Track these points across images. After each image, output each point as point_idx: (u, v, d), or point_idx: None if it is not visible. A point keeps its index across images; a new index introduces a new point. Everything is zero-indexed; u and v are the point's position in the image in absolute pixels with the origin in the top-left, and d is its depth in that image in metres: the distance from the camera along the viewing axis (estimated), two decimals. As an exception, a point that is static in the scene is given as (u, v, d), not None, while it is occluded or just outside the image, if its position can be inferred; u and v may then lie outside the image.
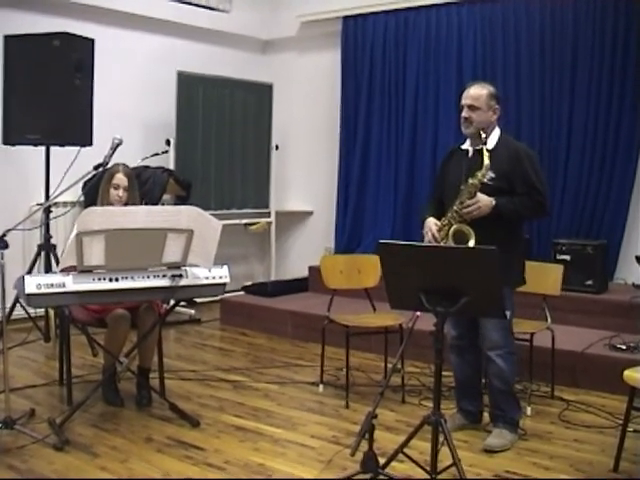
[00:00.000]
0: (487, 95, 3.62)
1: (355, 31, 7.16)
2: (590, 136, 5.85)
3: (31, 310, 5.19)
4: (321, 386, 4.56)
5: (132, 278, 3.54)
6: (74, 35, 5.12)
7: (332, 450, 3.56)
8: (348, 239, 7.19)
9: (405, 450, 3.08)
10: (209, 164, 6.91)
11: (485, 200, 3.50)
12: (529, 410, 4.07)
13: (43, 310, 5.33)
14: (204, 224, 3.64)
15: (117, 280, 3.50)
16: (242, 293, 6.73)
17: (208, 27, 7.26)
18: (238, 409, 4.18)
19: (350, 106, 7.21)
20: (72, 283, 3.39)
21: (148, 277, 3.59)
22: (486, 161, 3.47)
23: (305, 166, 7.74)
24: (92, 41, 5.27)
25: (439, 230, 3.62)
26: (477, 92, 3.62)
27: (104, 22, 6.32)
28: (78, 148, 5.02)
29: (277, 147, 7.46)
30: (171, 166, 6.47)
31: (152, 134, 6.64)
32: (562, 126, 5.99)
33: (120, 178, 4.13)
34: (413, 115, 6.78)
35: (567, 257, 5.44)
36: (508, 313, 3.44)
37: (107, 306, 3.99)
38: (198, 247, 3.66)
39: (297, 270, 7.34)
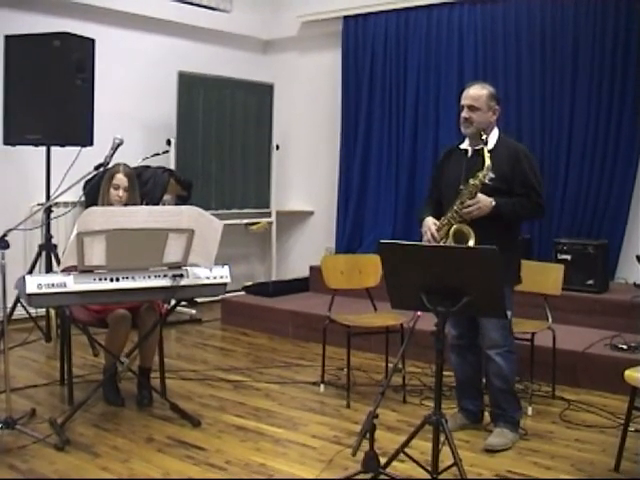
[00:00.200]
0: (487, 95, 3.62)
1: (356, 31, 7.15)
2: (591, 136, 5.85)
3: (32, 310, 5.20)
4: (322, 386, 4.56)
5: (133, 278, 3.54)
6: (75, 35, 5.12)
7: (333, 450, 3.56)
8: (349, 239, 7.19)
9: (406, 450, 3.08)
10: (210, 164, 6.91)
11: (485, 200, 3.50)
12: (530, 410, 4.07)
13: (44, 310, 5.33)
14: (205, 224, 3.64)
15: (118, 280, 3.50)
16: (243, 293, 6.73)
17: (209, 27, 7.26)
18: (239, 409, 4.18)
19: (351, 106, 7.22)
20: (73, 283, 3.39)
21: (149, 277, 3.59)
22: (487, 162, 3.47)
23: (306, 166, 7.74)
24: (93, 41, 5.27)
25: (438, 230, 3.62)
26: (477, 92, 3.62)
27: (105, 22, 6.32)
28: (79, 148, 5.03)
29: (278, 147, 7.46)
30: (172, 166, 6.47)
31: (153, 134, 6.64)
32: (563, 126, 5.99)
33: (120, 178, 4.13)
34: (414, 115, 6.78)
35: (568, 257, 5.44)
36: (509, 313, 3.44)
37: (108, 306, 3.99)
38: (199, 247, 3.66)
39: (298, 270, 7.34)
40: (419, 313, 3.19)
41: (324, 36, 7.45)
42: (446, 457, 2.97)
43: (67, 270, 3.46)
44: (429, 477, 2.97)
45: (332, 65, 7.35)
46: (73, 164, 4.69)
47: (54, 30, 5.11)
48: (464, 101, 3.65)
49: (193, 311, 6.53)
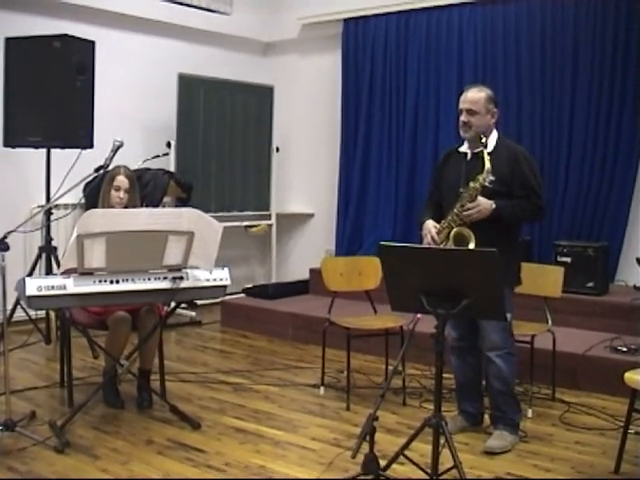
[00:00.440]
0: (485, 99, 3.62)
1: (356, 33, 7.16)
2: (591, 137, 5.86)
3: (32, 312, 5.19)
4: (322, 388, 4.56)
5: (133, 280, 3.54)
6: (75, 37, 5.12)
7: (333, 452, 3.55)
8: (349, 241, 7.19)
9: (406, 452, 3.08)
10: (210, 166, 6.92)
11: (485, 203, 3.50)
12: (530, 412, 4.07)
13: (44, 312, 5.33)
14: (205, 226, 3.65)
15: (118, 282, 3.50)
16: (243, 295, 6.73)
17: (209, 29, 7.26)
18: (239, 411, 4.18)
19: (351, 108, 7.22)
20: (73, 285, 3.39)
21: (149, 279, 3.59)
22: (487, 165, 3.46)
23: (306, 168, 7.74)
24: (93, 43, 5.27)
25: (438, 233, 3.62)
26: (475, 96, 3.62)
27: (105, 24, 6.33)
28: (79, 150, 5.02)
29: (278, 149, 7.46)
30: (172, 168, 6.47)
31: (153, 136, 6.65)
32: (563, 127, 6.00)
33: (121, 180, 4.13)
34: (414, 117, 6.79)
35: (568, 259, 5.44)
36: (509, 315, 3.44)
37: (108, 308, 4.00)
38: (199, 249, 3.66)
39: (298, 272, 7.34)
40: (419, 315, 3.19)
41: (324, 38, 7.46)
42: (446, 459, 2.97)
43: (67, 272, 3.46)
44: (429, 479, 2.97)
45: (332, 67, 7.36)
46: (73, 166, 4.69)
47: (54, 32, 5.11)
48: (462, 105, 3.65)
49: (193, 313, 6.53)
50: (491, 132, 3.67)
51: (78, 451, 3.48)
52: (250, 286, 6.90)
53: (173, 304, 4.20)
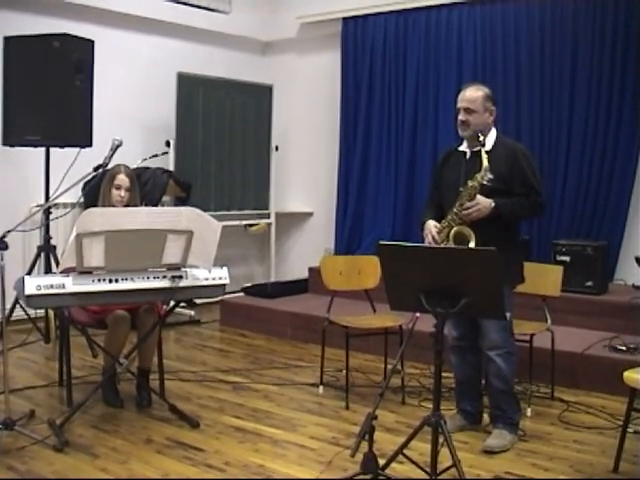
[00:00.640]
0: (483, 97, 3.62)
1: (355, 32, 7.16)
2: (590, 136, 5.86)
3: (31, 311, 5.19)
4: (321, 387, 4.56)
5: (132, 279, 3.54)
6: (74, 36, 5.12)
7: (332, 451, 3.56)
8: (348, 240, 7.19)
9: (405, 451, 3.08)
10: (209, 165, 6.91)
11: (484, 202, 3.50)
12: (529, 411, 4.07)
13: (43, 311, 5.33)
14: (204, 225, 3.64)
15: (117, 281, 3.50)
16: (242, 294, 6.73)
17: (208, 28, 7.26)
18: (238, 410, 4.18)
19: (350, 107, 7.22)
20: (72, 284, 3.39)
21: (148, 278, 3.59)
22: (485, 163, 3.47)
23: (305, 167, 7.74)
24: (92, 42, 5.27)
25: (439, 232, 3.62)
26: (473, 95, 3.62)
27: (104, 23, 6.32)
28: (78, 149, 5.03)
29: (277, 148, 7.46)
30: (171, 167, 6.47)
31: (152, 135, 6.64)
32: (562, 126, 6.00)
33: (122, 179, 4.13)
34: (413, 116, 6.79)
35: (567, 258, 5.44)
36: (508, 314, 3.44)
37: (107, 307, 3.99)
38: (198, 248, 3.66)
39: (297, 271, 7.35)
40: (418, 314, 3.19)
41: (323, 37, 7.46)
42: (445, 458, 2.97)
43: (66, 271, 3.46)
44: (428, 478, 2.97)
45: (331, 66, 7.36)
46: (72, 165, 4.69)
47: (53, 31, 5.10)
48: (460, 104, 3.65)
49: (192, 312, 6.53)
50: (490, 130, 3.67)
51: (77, 450, 3.48)
52: (249, 285, 6.90)
53: (172, 303, 4.19)
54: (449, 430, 3.05)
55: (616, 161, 5.77)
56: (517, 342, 3.86)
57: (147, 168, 5.98)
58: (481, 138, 3.52)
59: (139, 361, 4.20)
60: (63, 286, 3.37)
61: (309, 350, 5.54)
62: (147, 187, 5.69)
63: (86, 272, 3.45)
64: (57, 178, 4.78)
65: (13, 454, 3.40)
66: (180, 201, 6.18)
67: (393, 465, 3.13)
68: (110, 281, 3.48)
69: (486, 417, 3.82)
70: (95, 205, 4.09)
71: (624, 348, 4.62)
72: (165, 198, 6.22)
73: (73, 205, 4.97)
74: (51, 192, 5.16)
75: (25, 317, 5.32)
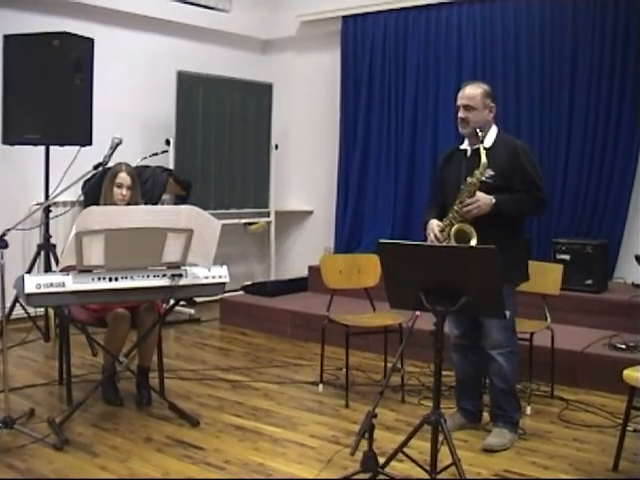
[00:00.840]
0: (482, 94, 3.62)
1: (355, 31, 7.16)
2: (590, 135, 5.85)
3: (31, 310, 5.19)
4: (321, 386, 4.56)
5: (132, 278, 3.54)
6: (74, 35, 5.11)
7: (332, 450, 3.56)
8: (348, 239, 7.19)
9: (405, 449, 3.08)
10: (209, 164, 6.91)
11: (485, 199, 3.50)
12: (529, 409, 4.07)
13: (43, 310, 5.33)
14: (204, 224, 3.64)
15: (117, 280, 3.50)
16: (241, 293, 6.73)
17: (208, 27, 7.26)
18: (237, 409, 4.18)
19: (350, 106, 7.22)
20: (72, 283, 3.39)
21: (148, 277, 3.59)
22: (483, 159, 3.47)
23: (305, 166, 7.74)
24: (92, 41, 5.26)
25: (441, 231, 3.62)
26: (472, 92, 3.63)
27: (104, 22, 6.32)
28: (78, 148, 5.02)
29: (277, 147, 7.46)
30: (171, 166, 6.47)
31: (152, 134, 6.64)
32: (562, 125, 5.99)
33: (123, 177, 4.13)
34: (413, 115, 6.78)
35: (567, 256, 5.44)
36: (508, 313, 3.44)
37: (107, 305, 3.99)
38: (198, 247, 3.66)
39: (297, 270, 7.34)
40: (418, 313, 3.19)
41: (323, 36, 7.45)
42: (445, 457, 2.97)
43: (66, 270, 3.46)
44: (428, 477, 2.97)
45: (331, 65, 7.35)
46: (72, 164, 4.69)
47: (53, 29, 5.10)
48: (460, 101, 3.65)
49: (192, 311, 6.53)
50: (490, 127, 3.67)
51: (77, 448, 3.48)
52: (249, 283, 6.90)
53: (172, 301, 4.20)
54: (449, 428, 3.05)
55: (616, 160, 5.77)
56: (517, 341, 3.86)
57: (147, 166, 5.98)
58: (480, 134, 3.53)
59: (139, 359, 4.20)
60: (63, 285, 3.37)
61: (309, 348, 5.54)
62: (147, 185, 5.69)
63: (86, 270, 3.45)
64: (57, 177, 4.77)
65: (13, 453, 3.40)
66: (180, 199, 6.18)
67: (393, 463, 3.13)
68: (110, 279, 3.48)
69: (486, 415, 3.82)
70: (95, 203, 4.08)
71: (624, 346, 4.62)
72: (165, 196, 6.22)
73: (73, 204, 4.98)
74: (51, 190, 5.16)
75: (25, 316, 5.32)
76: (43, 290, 3.33)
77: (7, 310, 4.49)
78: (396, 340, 4.36)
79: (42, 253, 5.26)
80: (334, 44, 7.32)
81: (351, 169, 7.22)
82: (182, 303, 5.94)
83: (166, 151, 6.51)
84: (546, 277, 4.27)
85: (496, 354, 3.59)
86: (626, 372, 3.25)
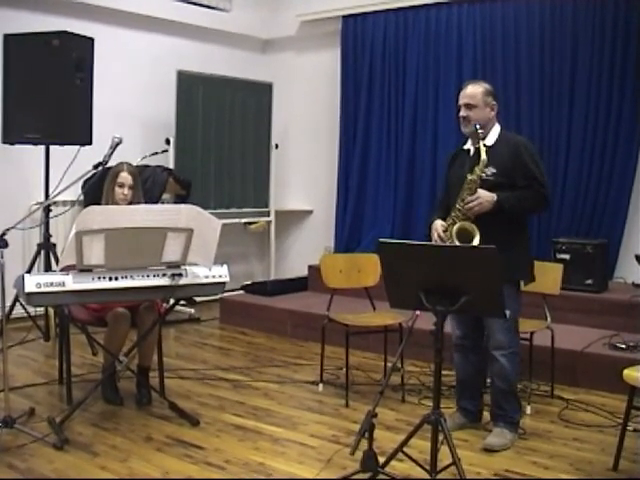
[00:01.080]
0: (483, 92, 3.63)
1: (355, 30, 7.16)
2: (590, 134, 5.85)
3: (31, 309, 5.18)
4: (321, 385, 4.56)
5: (132, 277, 3.54)
6: (74, 34, 5.11)
7: (332, 449, 3.56)
8: (348, 238, 7.19)
9: (405, 449, 3.08)
10: (209, 163, 6.91)
11: (486, 196, 3.49)
12: (529, 409, 4.07)
13: (43, 309, 5.33)
14: (204, 223, 3.64)
15: (117, 279, 3.50)
16: (242, 292, 6.73)
17: (208, 26, 7.25)
18: (238, 408, 4.18)
19: (350, 105, 7.22)
20: (72, 282, 3.39)
21: (148, 276, 3.59)
22: (483, 156, 3.47)
23: (305, 165, 7.74)
24: (92, 40, 5.26)
25: (445, 230, 3.61)
26: (473, 90, 3.64)
27: (104, 21, 6.32)
28: (78, 147, 5.02)
29: (277, 146, 7.46)
30: (171, 165, 6.47)
31: (152, 133, 6.64)
32: (562, 124, 5.99)
33: (125, 177, 4.13)
34: (413, 114, 6.78)
35: (567, 256, 5.44)
36: (508, 312, 3.43)
37: (107, 305, 3.99)
38: (198, 246, 3.66)
39: (297, 269, 7.34)
40: (418, 312, 3.19)
41: (323, 35, 7.45)
42: (445, 456, 2.98)
43: (66, 269, 3.46)
44: (428, 476, 2.97)
45: (331, 64, 7.35)
46: (72, 163, 4.69)
47: (53, 29, 5.10)
48: (461, 100, 3.66)
49: (192, 310, 6.53)
50: (493, 126, 3.67)
51: (77, 448, 3.48)
52: (249, 283, 6.90)
53: (172, 301, 4.20)
54: (449, 428, 3.05)
55: (616, 159, 5.77)
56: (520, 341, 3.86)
57: (147, 166, 5.98)
58: (480, 132, 3.52)
59: (139, 359, 4.20)
60: (63, 284, 3.37)
61: (309, 348, 5.54)
62: (147, 185, 5.68)
63: (86, 270, 3.45)
64: (57, 176, 4.77)
65: (13, 452, 3.40)
66: (180, 199, 6.18)
67: (393, 463, 3.13)
68: (110, 279, 3.48)
69: (486, 415, 3.82)
70: (95, 203, 4.07)
71: (624, 346, 4.62)
72: (165, 196, 6.21)
73: (73, 203, 4.98)
74: (51, 190, 5.15)
75: (25, 315, 5.31)
76: (43, 289, 3.33)
77: (7, 309, 4.48)
78: (396, 340, 4.36)
79: (42, 252, 5.26)
80: (334, 44, 7.32)
81: (351, 169, 7.22)
82: (182, 302, 5.95)
83: (166, 150, 6.51)
84: (546, 277, 4.26)
85: (499, 355, 3.58)
86: (626, 372, 3.25)
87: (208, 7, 7.34)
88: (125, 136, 3.83)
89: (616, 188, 5.78)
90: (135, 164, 4.39)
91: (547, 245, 5.72)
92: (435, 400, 2.99)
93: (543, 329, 4.18)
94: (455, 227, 3.54)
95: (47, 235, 5.25)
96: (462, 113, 3.65)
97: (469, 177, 3.51)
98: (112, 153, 3.77)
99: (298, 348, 5.61)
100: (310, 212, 7.79)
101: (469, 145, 3.72)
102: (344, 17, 7.19)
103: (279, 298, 6.45)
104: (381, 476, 3.01)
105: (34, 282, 3.32)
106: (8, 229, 3.48)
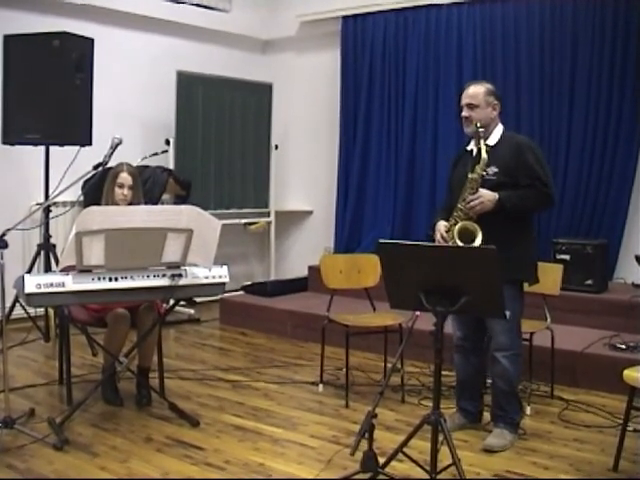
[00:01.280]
0: (484, 92, 3.63)
1: (355, 31, 7.16)
2: (590, 134, 5.86)
3: (31, 310, 5.19)
4: (321, 386, 4.56)
5: (132, 278, 3.54)
6: (74, 35, 5.11)
7: (332, 450, 3.56)
8: (348, 239, 7.19)
9: (405, 449, 3.08)
10: (209, 164, 6.91)
11: (488, 195, 3.48)
12: (529, 410, 4.07)
13: (43, 310, 5.33)
14: (204, 224, 3.64)
15: (117, 280, 3.50)
16: (241, 293, 6.73)
17: (208, 27, 7.25)
18: (238, 409, 4.18)
19: (350, 106, 7.22)
20: (72, 283, 3.39)
21: (148, 277, 3.59)
22: (483, 155, 3.47)
23: (305, 166, 7.74)
24: (92, 41, 5.26)
25: (447, 231, 3.61)
26: (475, 90, 3.64)
27: (104, 22, 6.31)
28: (78, 147, 5.02)
29: (277, 147, 7.46)
30: (171, 166, 6.47)
31: (152, 134, 6.64)
32: (562, 125, 5.99)
33: (124, 177, 4.13)
34: (413, 114, 6.78)
35: (567, 257, 5.44)
36: (507, 313, 3.43)
37: (107, 305, 3.99)
38: (198, 247, 3.66)
39: (297, 270, 7.34)
40: (418, 313, 3.19)
41: (323, 36, 7.45)
42: (445, 457, 2.98)
43: (66, 270, 3.46)
44: (428, 477, 2.97)
45: (331, 65, 7.35)
46: (72, 163, 4.69)
47: (53, 30, 5.10)
48: (463, 101, 3.66)
49: (192, 311, 6.53)
50: (496, 126, 3.67)
51: (77, 449, 3.48)
52: (249, 283, 6.90)
53: (172, 301, 4.20)
54: (449, 429, 3.05)
55: (616, 159, 5.77)
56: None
57: (147, 166, 5.98)
58: (481, 130, 3.52)
59: (139, 360, 4.20)
60: (63, 285, 3.37)
61: (309, 348, 5.54)
62: (147, 185, 5.68)
63: (86, 270, 3.45)
64: (57, 177, 4.77)
65: (13, 453, 3.39)
66: (180, 199, 6.18)
67: (393, 463, 3.13)
68: (110, 279, 3.48)
69: (486, 415, 3.82)
70: (95, 203, 4.07)
71: (624, 346, 4.62)
72: (165, 196, 6.22)
73: (73, 203, 4.98)
74: (51, 190, 5.16)
75: (25, 316, 5.32)
76: (43, 290, 3.33)
77: (7, 310, 4.48)
78: (396, 340, 4.36)
79: (42, 253, 5.26)
80: (334, 44, 7.31)
81: (351, 169, 7.22)
82: (182, 303, 5.95)
83: (166, 151, 6.51)
84: (546, 277, 4.24)
85: (500, 356, 3.58)
86: (626, 372, 3.25)
87: (208, 8, 7.35)
88: (125, 136, 3.83)
89: (616, 188, 5.78)
90: (135, 164, 4.39)
91: (547, 245, 5.71)
92: (435, 400, 2.99)
93: (543, 329, 4.18)
94: (457, 227, 3.53)
95: (47, 236, 5.25)
96: (464, 113, 3.65)
97: (470, 176, 3.51)
98: (112, 154, 3.77)
99: (298, 349, 5.61)
100: (310, 212, 7.79)
101: (472, 145, 3.72)
102: (344, 17, 7.19)
103: (279, 299, 6.45)
104: (381, 476, 3.01)
105: (34, 283, 3.32)
106: (8, 230, 3.48)
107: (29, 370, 4.81)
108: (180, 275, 3.64)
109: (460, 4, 6.46)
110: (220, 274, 3.79)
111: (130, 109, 6.51)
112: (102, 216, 3.41)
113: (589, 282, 5.40)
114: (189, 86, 6.62)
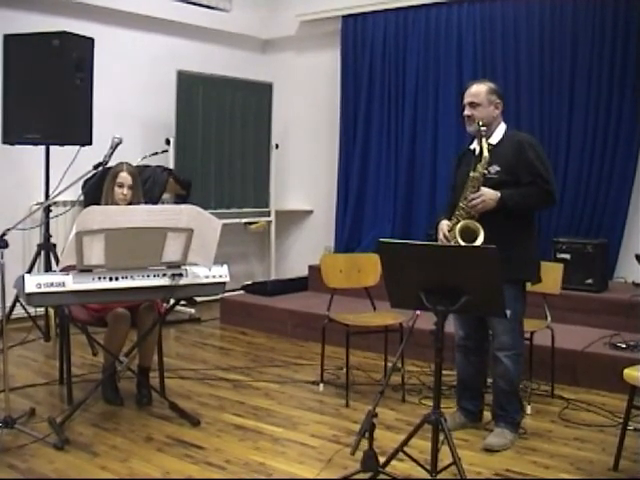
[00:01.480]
0: (486, 90, 3.63)
1: (355, 30, 7.15)
2: (590, 134, 5.85)
3: (31, 309, 5.19)
4: (321, 385, 4.56)
5: (132, 277, 3.54)
6: (74, 34, 5.11)
7: (332, 449, 3.56)
8: (348, 238, 7.19)
9: (405, 449, 3.08)
10: (209, 163, 6.91)
11: (490, 193, 3.48)
12: (529, 409, 4.07)
13: (43, 309, 5.33)
14: (204, 223, 3.64)
15: (117, 279, 3.50)
16: (242, 292, 6.73)
17: (208, 26, 7.26)
18: (238, 408, 4.18)
19: (350, 105, 7.22)
20: (72, 282, 3.39)
21: (148, 276, 3.59)
22: (485, 153, 3.46)
23: (305, 165, 7.74)
24: (92, 40, 5.26)
25: (450, 230, 3.60)
26: (477, 89, 3.64)
27: (104, 21, 6.32)
28: (78, 147, 5.02)
29: (277, 146, 7.46)
30: (171, 165, 6.47)
31: (152, 133, 6.64)
32: (562, 124, 5.99)
33: (124, 177, 4.13)
34: (413, 114, 6.78)
35: (567, 256, 5.44)
36: (508, 312, 3.43)
37: (107, 305, 3.99)
38: (198, 246, 3.66)
39: (297, 269, 7.34)
40: (418, 312, 3.19)
41: (323, 35, 7.45)
42: (445, 456, 2.98)
43: (66, 269, 3.46)
44: (428, 476, 2.98)
45: (331, 64, 7.35)
46: (72, 163, 4.69)
47: (53, 29, 5.10)
48: (465, 100, 3.66)
49: (192, 310, 6.53)
50: (498, 124, 3.67)
51: (77, 448, 3.48)
52: (249, 283, 6.90)
53: (172, 301, 4.20)
54: (449, 428, 3.06)
55: (616, 158, 5.77)
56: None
57: (147, 166, 5.98)
58: (482, 128, 3.51)
59: (139, 359, 4.20)
60: (63, 284, 3.37)
61: (309, 348, 5.54)
62: (147, 185, 5.69)
63: (86, 270, 3.45)
64: (57, 176, 4.78)
65: (13, 452, 3.39)
66: (180, 199, 6.18)
67: (393, 463, 3.13)
68: (110, 279, 3.48)
69: (487, 415, 3.82)
70: (95, 203, 4.07)
71: (624, 346, 4.62)
72: (165, 196, 6.22)
73: (73, 203, 4.98)
74: (51, 190, 5.16)
75: (25, 315, 5.32)
76: (43, 290, 3.33)
77: (7, 310, 4.48)
78: (396, 339, 4.36)
79: (42, 253, 5.26)
80: (334, 44, 7.31)
81: (351, 168, 7.22)
82: (182, 303, 5.95)
83: (166, 151, 6.51)
84: (546, 276, 4.22)
85: (502, 356, 3.58)
86: (626, 371, 3.24)
87: (208, 7, 7.34)
88: (125, 136, 3.82)
89: (616, 188, 5.78)
90: (135, 164, 4.40)
91: (547, 245, 5.71)
92: (435, 400, 2.99)
93: (543, 329, 4.17)
94: (459, 226, 3.52)
95: (47, 235, 5.26)
96: (466, 112, 3.64)
97: (471, 174, 3.50)
98: (112, 153, 3.77)
99: (298, 348, 5.61)
100: (310, 212, 7.79)
101: (475, 145, 3.71)
102: (344, 17, 7.19)
103: (279, 298, 6.45)
104: (381, 476, 3.01)
105: (34, 282, 3.32)
106: (8, 229, 3.48)
107: (29, 370, 4.81)
108: (180, 275, 3.64)
109: (460, 4, 6.46)
110: (220, 273, 3.79)
111: (130, 109, 6.51)
112: (102, 216, 3.41)
113: (589, 281, 5.40)
114: (189, 86, 6.62)
